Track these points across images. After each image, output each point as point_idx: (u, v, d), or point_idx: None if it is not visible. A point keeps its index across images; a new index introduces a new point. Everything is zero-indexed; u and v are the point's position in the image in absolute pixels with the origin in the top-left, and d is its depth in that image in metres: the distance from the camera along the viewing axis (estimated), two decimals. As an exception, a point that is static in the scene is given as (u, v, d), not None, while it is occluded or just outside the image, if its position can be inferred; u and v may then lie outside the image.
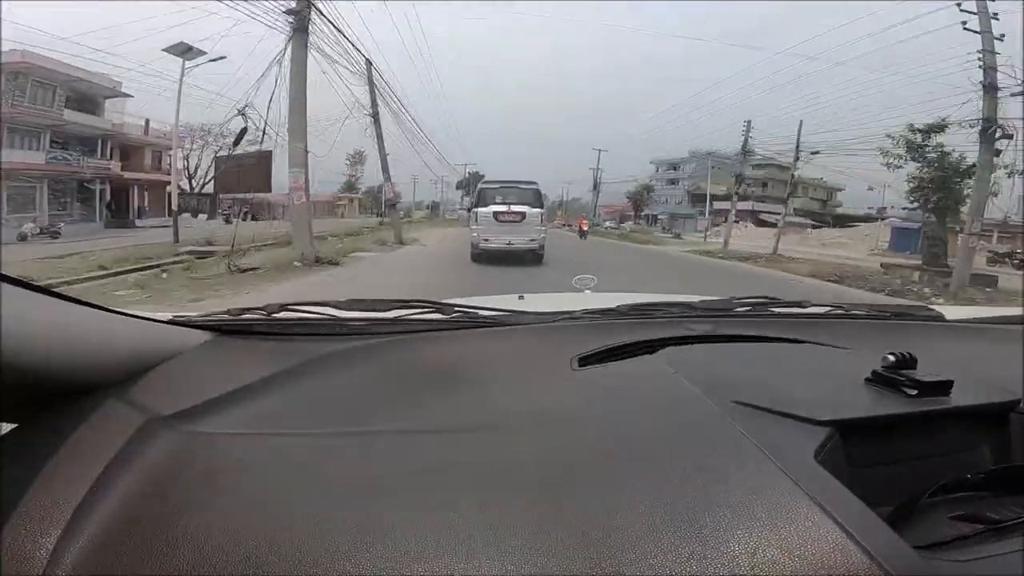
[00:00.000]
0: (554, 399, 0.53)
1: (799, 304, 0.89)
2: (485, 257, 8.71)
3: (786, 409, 0.45)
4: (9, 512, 0.38)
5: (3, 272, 0.43)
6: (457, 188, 49.39)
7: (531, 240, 8.69)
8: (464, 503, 0.36)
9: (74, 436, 0.45)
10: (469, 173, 46.56)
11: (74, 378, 0.49)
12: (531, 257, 8.64)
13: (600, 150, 41.68)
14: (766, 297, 0.92)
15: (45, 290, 0.48)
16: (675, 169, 45.11)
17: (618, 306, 0.86)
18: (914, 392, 0.48)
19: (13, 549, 0.36)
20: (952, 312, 0.99)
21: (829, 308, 0.92)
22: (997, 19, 8.50)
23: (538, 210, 9.01)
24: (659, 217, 43.83)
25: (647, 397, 0.52)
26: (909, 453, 0.47)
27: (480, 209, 8.96)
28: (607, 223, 41.82)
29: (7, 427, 0.51)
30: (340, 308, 0.77)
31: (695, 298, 0.94)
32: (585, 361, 0.61)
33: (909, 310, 1.02)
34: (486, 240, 8.69)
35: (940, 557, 0.32)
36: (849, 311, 0.94)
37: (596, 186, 41.19)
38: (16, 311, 0.42)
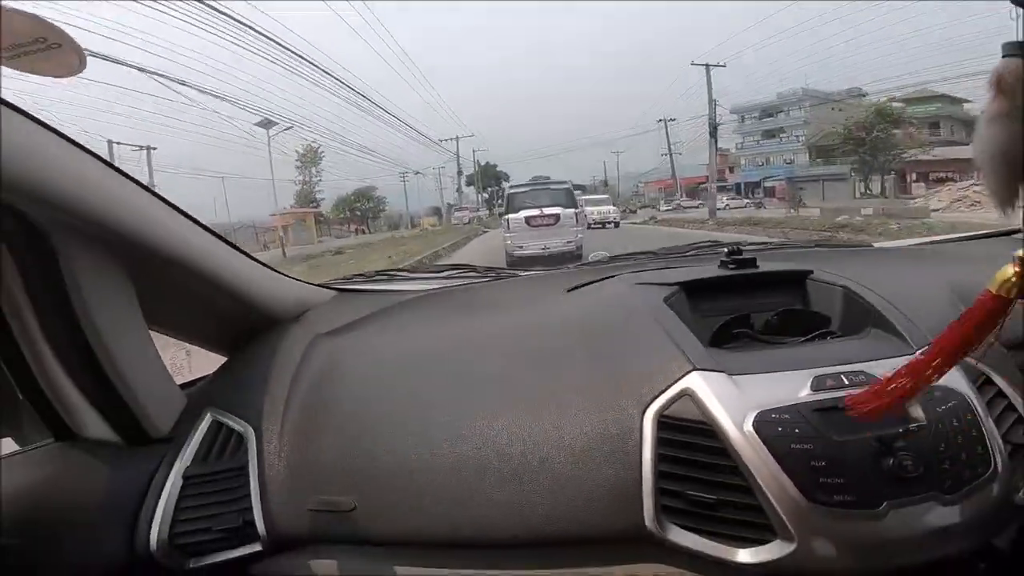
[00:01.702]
0: (549, 309, 0.95)
1: (739, 243, 1.20)
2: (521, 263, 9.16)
3: (660, 280, 0.86)
4: (258, 409, 0.79)
5: (240, 247, 0.91)
6: (468, 185, 44.22)
7: (568, 242, 9.13)
8: (487, 372, 0.77)
9: (278, 351, 0.88)
10: (479, 165, 42.88)
11: (273, 314, 0.96)
12: (570, 257, 9.07)
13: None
14: (714, 242, 1.32)
15: (259, 261, 0.95)
16: (771, 116, 33.98)
17: (602, 258, 1.32)
18: (732, 265, 0.88)
19: (262, 431, 0.77)
20: (886, 244, 1.36)
21: (766, 243, 1.27)
22: None
23: (572, 210, 9.58)
24: (765, 185, 31.95)
25: (601, 299, 0.92)
26: (740, 308, 0.82)
27: (511, 216, 9.59)
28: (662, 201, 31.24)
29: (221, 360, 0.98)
30: (411, 271, 1.30)
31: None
32: (572, 289, 0.97)
33: (841, 242, 1.45)
34: (520, 247, 9.21)
35: (720, 352, 0.69)
36: (782, 245, 1.31)
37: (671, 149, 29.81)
38: (247, 272, 0.92)
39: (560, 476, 0.65)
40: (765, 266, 0.89)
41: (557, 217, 9.38)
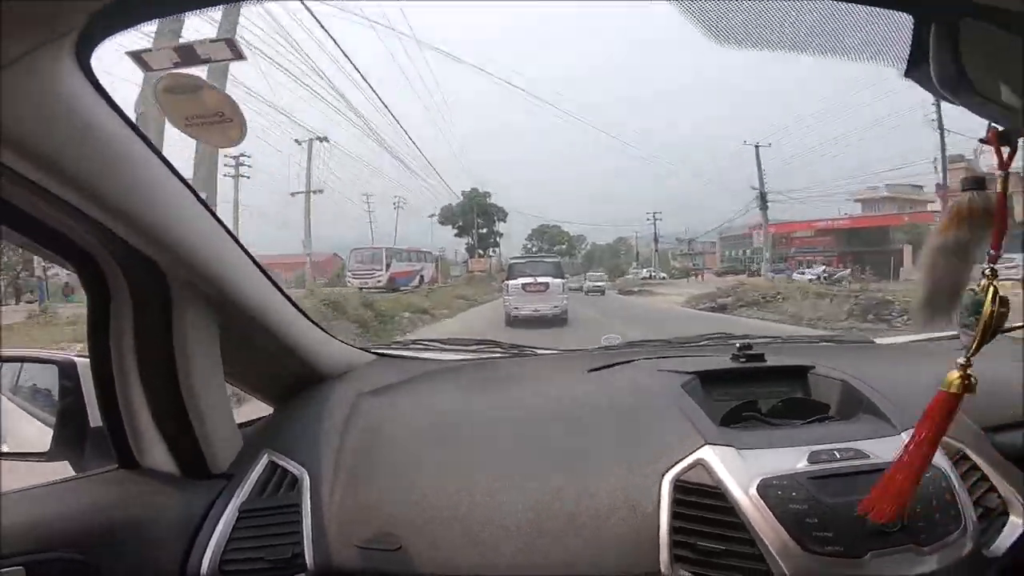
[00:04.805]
0: (574, 386, 1.21)
1: (748, 337, 1.50)
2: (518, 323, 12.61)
3: (678, 368, 1.13)
4: (312, 454, 1.02)
5: (299, 306, 1.17)
6: (442, 223, 39.31)
7: (555, 306, 13.31)
8: (520, 437, 1.02)
9: (328, 404, 1.14)
10: (463, 193, 37.43)
11: (322, 371, 1.22)
12: (556, 320, 12.92)
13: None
14: (725, 334, 1.61)
15: (313, 321, 1.23)
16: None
17: (619, 343, 1.61)
18: (743, 359, 1.15)
19: (316, 474, 0.98)
20: (885, 339, 1.68)
21: (772, 339, 1.57)
22: None
23: (560, 280, 14.04)
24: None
25: (622, 381, 1.18)
26: (749, 395, 1.09)
27: (511, 282, 13.96)
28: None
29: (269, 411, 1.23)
30: (444, 343, 1.59)
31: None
32: (593, 370, 1.26)
33: (843, 335, 1.76)
34: (516, 308, 13.10)
35: (730, 430, 0.96)
36: (787, 339, 1.63)
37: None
38: (305, 331, 1.18)
39: (586, 528, 0.87)
40: (772, 360, 1.17)
41: (547, 285, 13.56)
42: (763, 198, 26.36)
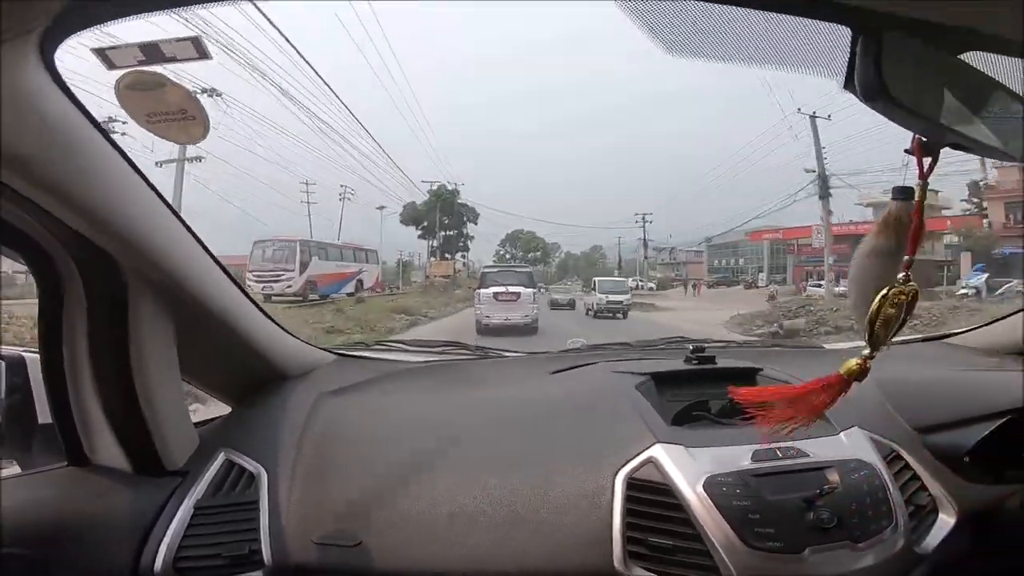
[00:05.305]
0: (535, 387, 1.27)
1: (704, 341, 1.57)
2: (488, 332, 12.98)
3: (633, 369, 1.19)
4: (270, 453, 1.06)
5: (260, 306, 1.19)
6: (403, 223, 35.75)
7: (525, 316, 13.75)
8: (481, 436, 1.08)
9: (287, 403, 1.18)
10: (430, 192, 33.90)
11: (282, 371, 1.25)
12: (527, 329, 13.46)
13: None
14: (682, 337, 1.70)
15: (274, 320, 1.25)
16: None
17: (581, 346, 1.69)
18: (695, 361, 1.22)
19: (273, 472, 1.03)
20: (837, 344, 1.81)
21: (727, 343, 1.69)
22: None
23: (531, 290, 14.54)
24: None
25: (582, 382, 1.25)
26: (700, 395, 1.16)
27: (482, 291, 14.39)
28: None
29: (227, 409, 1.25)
30: (408, 344, 1.62)
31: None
32: (555, 372, 1.33)
33: (796, 342, 1.89)
34: (488, 317, 13.53)
35: (680, 429, 1.03)
36: (741, 345, 1.74)
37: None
38: (265, 330, 1.20)
39: (543, 524, 0.92)
40: (723, 363, 1.25)
41: (518, 295, 14.00)
42: (824, 182, 19.11)
